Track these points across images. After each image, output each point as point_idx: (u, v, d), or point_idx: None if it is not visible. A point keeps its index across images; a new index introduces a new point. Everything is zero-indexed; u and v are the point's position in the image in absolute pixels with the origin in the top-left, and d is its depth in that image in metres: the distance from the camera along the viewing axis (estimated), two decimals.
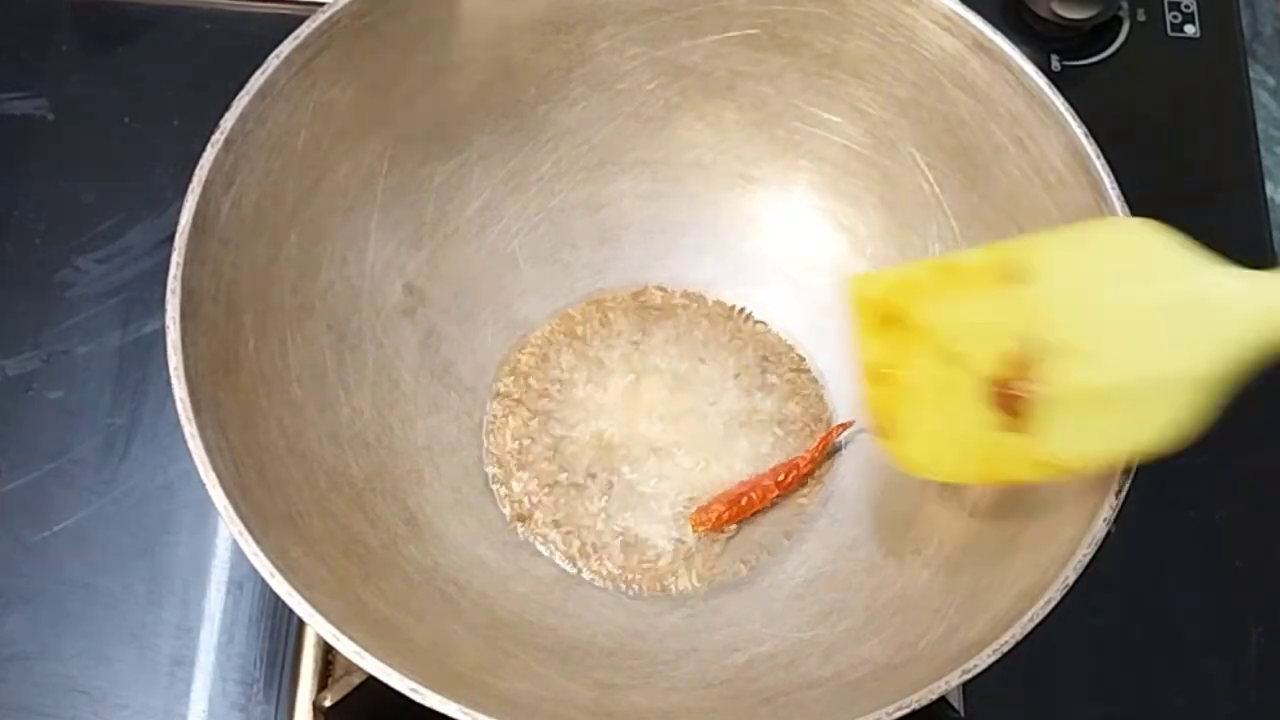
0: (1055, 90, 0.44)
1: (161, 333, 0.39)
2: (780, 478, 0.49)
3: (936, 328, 0.41)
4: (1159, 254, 0.38)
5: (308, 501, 0.42)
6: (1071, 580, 0.37)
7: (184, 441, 0.38)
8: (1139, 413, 0.37)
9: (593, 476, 0.49)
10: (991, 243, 0.45)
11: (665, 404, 0.51)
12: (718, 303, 0.53)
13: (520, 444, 0.50)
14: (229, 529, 0.37)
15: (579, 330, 0.52)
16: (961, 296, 0.41)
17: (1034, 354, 0.38)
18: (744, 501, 0.48)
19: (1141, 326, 0.37)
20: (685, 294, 0.53)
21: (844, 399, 0.51)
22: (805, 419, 0.51)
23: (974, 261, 0.41)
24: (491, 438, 0.50)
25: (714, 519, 0.48)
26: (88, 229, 0.56)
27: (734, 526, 0.48)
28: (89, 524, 0.51)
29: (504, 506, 0.49)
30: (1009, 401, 0.39)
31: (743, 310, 0.53)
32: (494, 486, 0.49)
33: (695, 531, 0.48)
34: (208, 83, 0.43)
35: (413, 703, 0.35)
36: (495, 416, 0.50)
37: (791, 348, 0.52)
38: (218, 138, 0.42)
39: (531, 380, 0.51)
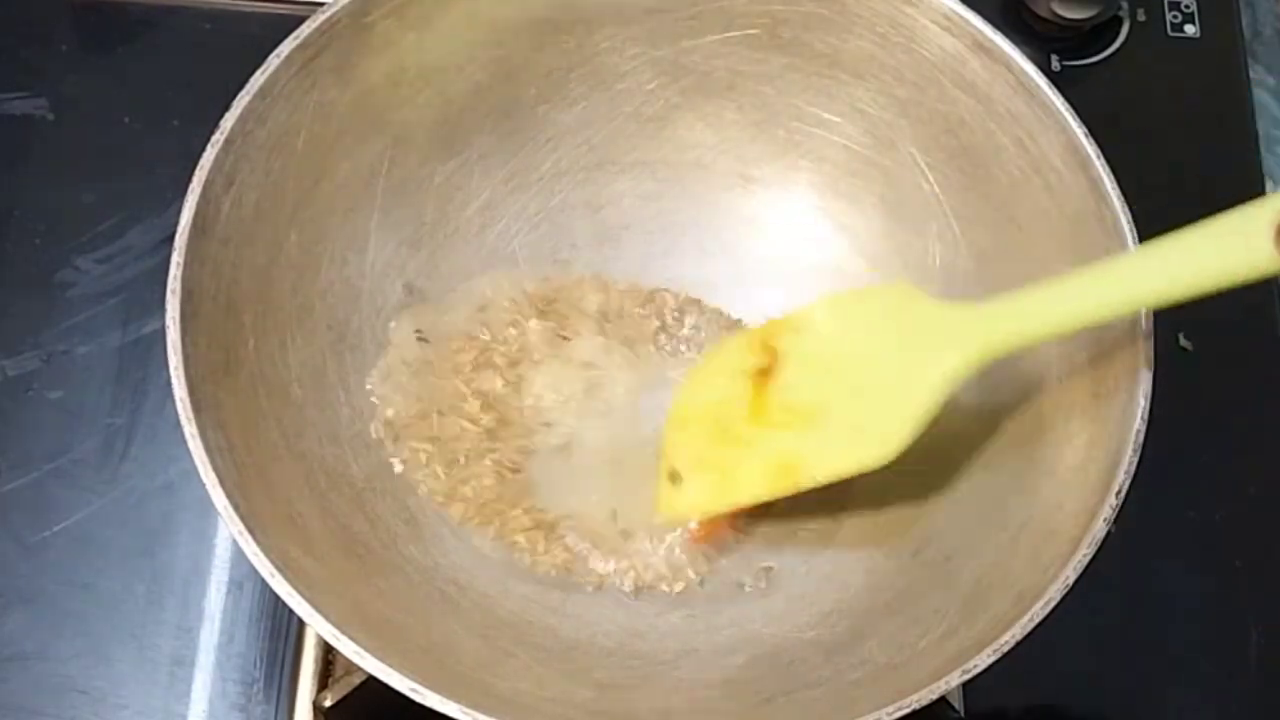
0: (1055, 90, 0.44)
1: (161, 333, 0.39)
2: None
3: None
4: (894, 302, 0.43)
5: (308, 501, 0.42)
6: (1071, 580, 0.37)
7: (184, 441, 0.38)
8: (869, 425, 0.42)
9: (594, 478, 0.49)
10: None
11: (666, 404, 0.51)
12: (716, 308, 0.53)
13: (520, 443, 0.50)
14: (229, 529, 0.37)
15: (579, 330, 0.52)
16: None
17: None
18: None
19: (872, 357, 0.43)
20: (686, 297, 0.53)
21: None
22: None
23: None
24: None
25: (709, 530, 0.48)
26: (88, 229, 0.56)
27: (742, 523, 0.48)
28: (89, 524, 0.51)
29: None
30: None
31: (740, 321, 0.52)
32: None
33: (697, 544, 0.48)
34: (208, 83, 0.43)
35: (413, 703, 0.35)
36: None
37: None
38: (218, 138, 0.42)
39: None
